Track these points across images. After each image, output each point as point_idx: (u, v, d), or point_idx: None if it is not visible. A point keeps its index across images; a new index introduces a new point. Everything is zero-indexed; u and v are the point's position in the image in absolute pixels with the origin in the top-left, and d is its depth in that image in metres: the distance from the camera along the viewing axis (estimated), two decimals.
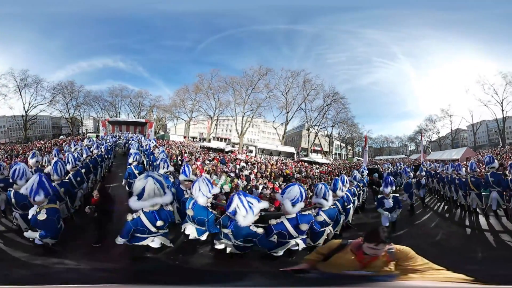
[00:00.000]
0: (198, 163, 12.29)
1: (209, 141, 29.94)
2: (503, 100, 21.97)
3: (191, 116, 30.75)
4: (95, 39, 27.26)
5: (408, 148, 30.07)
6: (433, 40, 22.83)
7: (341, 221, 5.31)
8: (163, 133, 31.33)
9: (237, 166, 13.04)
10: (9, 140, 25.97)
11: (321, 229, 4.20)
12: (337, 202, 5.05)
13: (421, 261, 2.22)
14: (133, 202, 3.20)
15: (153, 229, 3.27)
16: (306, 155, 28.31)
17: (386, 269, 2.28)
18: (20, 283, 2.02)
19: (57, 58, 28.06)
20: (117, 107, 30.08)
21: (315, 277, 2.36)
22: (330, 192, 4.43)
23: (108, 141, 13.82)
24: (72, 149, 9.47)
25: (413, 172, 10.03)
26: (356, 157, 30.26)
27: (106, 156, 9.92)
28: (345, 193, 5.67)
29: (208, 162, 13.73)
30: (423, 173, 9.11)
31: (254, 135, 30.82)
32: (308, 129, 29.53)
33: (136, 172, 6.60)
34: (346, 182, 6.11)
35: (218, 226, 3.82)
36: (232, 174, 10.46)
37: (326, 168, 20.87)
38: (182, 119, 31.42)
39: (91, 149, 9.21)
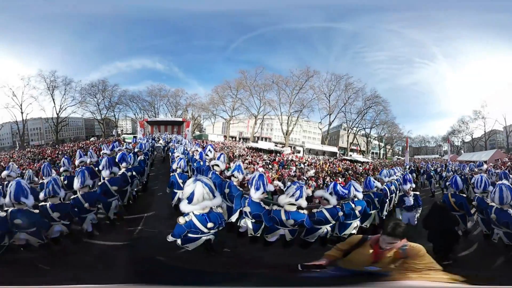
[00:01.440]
0: (261, 169, 11.07)
1: (256, 141, 29.56)
2: None
3: (232, 115, 29.76)
4: (130, 40, 27.51)
5: (442, 148, 30.24)
6: (469, 41, 22.71)
7: (373, 215, 5.60)
8: (199, 132, 30.28)
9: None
10: (44, 142, 25.88)
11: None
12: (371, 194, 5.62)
13: (428, 259, 2.27)
14: (184, 206, 3.39)
15: (205, 230, 3.52)
16: (344, 154, 29.42)
17: (392, 266, 2.32)
18: (20, 283, 2.01)
19: (92, 59, 27.86)
20: (156, 107, 29.27)
21: (317, 277, 2.39)
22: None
23: (142, 147, 9.50)
24: (87, 160, 7.41)
25: (445, 171, 12.14)
26: (396, 156, 31.17)
27: (135, 174, 6.97)
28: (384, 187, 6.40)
29: (268, 166, 14.39)
30: (450, 173, 9.91)
31: (297, 135, 31.14)
32: (347, 130, 30.56)
33: (180, 181, 6.00)
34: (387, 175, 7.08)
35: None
36: (305, 178, 12.07)
37: (368, 166, 22.93)
38: (222, 117, 30.51)
39: (99, 168, 6.32)
